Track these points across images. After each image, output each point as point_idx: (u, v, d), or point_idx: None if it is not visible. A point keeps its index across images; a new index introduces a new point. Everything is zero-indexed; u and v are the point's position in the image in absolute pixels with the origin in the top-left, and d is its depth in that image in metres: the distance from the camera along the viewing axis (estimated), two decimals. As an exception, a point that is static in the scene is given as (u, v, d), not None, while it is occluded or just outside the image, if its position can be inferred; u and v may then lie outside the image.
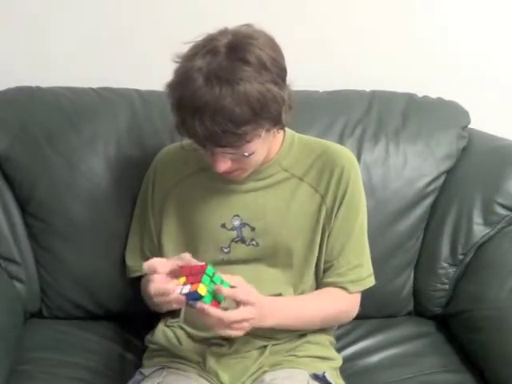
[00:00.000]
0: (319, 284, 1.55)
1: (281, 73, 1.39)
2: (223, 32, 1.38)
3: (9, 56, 1.91)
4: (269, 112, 1.35)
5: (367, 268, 1.57)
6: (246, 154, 1.39)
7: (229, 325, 1.31)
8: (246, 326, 1.34)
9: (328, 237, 1.52)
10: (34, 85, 1.82)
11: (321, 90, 1.90)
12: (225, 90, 1.30)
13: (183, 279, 1.31)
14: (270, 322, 1.41)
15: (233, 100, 1.30)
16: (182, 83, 1.34)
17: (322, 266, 1.54)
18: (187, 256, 1.35)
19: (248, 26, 1.39)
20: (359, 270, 1.54)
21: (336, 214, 1.52)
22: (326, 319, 1.55)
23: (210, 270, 1.30)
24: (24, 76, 1.85)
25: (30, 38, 1.91)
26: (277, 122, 1.40)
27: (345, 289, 1.53)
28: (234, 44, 1.34)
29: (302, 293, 1.54)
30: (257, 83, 1.32)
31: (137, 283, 1.64)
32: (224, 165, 1.40)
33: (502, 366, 1.56)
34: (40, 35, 1.91)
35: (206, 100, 1.31)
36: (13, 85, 1.81)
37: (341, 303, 1.54)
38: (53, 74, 1.89)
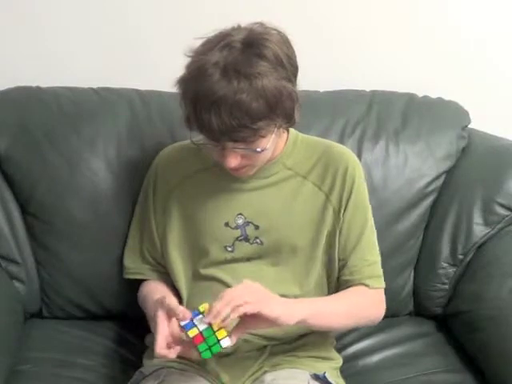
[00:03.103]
0: (340, 284, 1.53)
1: (294, 71, 1.39)
2: (236, 28, 1.38)
3: (9, 56, 1.91)
4: (283, 108, 1.35)
5: (380, 267, 1.56)
6: (259, 149, 1.38)
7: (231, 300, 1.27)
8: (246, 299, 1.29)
9: (339, 237, 1.52)
10: (34, 85, 1.82)
11: (321, 90, 1.90)
12: (243, 84, 1.30)
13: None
14: (297, 316, 1.36)
15: (250, 94, 1.30)
16: (197, 77, 1.33)
17: (336, 266, 1.53)
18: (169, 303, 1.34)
19: (260, 23, 1.39)
20: (376, 266, 1.54)
21: (344, 213, 1.51)
22: (354, 317, 1.52)
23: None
24: (24, 76, 1.85)
25: (31, 37, 1.91)
26: (289, 119, 1.40)
27: (365, 285, 1.51)
28: (250, 40, 1.34)
29: (306, 291, 1.52)
30: (273, 79, 1.33)
31: (137, 283, 1.64)
32: (235, 160, 1.40)
33: (502, 366, 1.56)
34: (40, 35, 1.91)
35: (223, 93, 1.30)
36: (13, 85, 1.81)
37: (366, 299, 1.52)
38: (53, 74, 1.89)
